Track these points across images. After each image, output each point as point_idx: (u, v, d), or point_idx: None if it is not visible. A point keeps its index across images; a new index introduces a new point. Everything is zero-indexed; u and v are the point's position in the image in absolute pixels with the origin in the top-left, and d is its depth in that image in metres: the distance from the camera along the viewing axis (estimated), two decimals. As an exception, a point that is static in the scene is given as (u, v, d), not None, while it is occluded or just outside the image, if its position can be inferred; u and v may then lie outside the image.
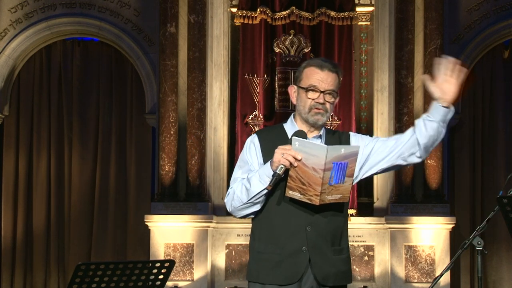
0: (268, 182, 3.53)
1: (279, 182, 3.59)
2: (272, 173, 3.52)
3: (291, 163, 3.49)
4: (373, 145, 3.74)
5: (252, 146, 3.76)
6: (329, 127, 3.83)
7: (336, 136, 3.78)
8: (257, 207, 3.69)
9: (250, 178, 3.63)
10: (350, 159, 3.51)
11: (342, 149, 3.48)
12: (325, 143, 3.67)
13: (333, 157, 3.47)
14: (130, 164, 10.45)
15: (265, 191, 3.59)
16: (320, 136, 3.72)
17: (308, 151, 3.48)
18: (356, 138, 3.78)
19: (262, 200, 3.66)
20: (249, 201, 3.65)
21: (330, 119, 9.69)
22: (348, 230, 3.84)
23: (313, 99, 3.65)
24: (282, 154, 3.49)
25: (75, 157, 10.44)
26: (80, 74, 10.53)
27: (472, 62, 10.13)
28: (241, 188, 3.66)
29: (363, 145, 3.73)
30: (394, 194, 9.65)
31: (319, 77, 3.65)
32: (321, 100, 3.64)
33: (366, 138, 3.80)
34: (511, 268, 10.14)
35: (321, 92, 3.64)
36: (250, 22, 9.84)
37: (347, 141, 3.75)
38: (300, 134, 3.61)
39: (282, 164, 3.49)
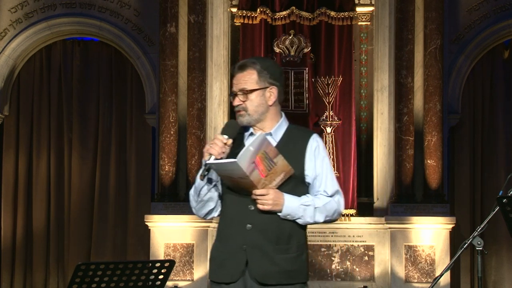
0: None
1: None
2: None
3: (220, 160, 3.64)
4: (312, 179, 3.79)
5: None
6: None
7: (295, 134, 3.81)
8: (210, 206, 3.83)
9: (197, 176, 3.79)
10: (264, 147, 3.60)
11: (251, 148, 3.58)
12: (279, 141, 3.76)
13: (249, 160, 3.56)
14: (130, 164, 10.45)
15: (206, 185, 3.74)
16: (270, 134, 3.78)
17: (226, 168, 3.61)
18: (313, 146, 3.80)
19: (212, 197, 3.79)
20: (199, 199, 3.80)
21: (330, 119, 9.71)
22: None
23: (233, 104, 3.81)
24: (210, 144, 3.66)
25: (75, 157, 10.43)
26: (80, 74, 10.53)
27: (472, 62, 10.13)
28: (193, 187, 3.82)
29: (314, 165, 3.77)
30: (394, 194, 9.65)
31: (233, 82, 3.80)
32: (235, 103, 3.77)
33: (319, 160, 3.80)
34: (511, 268, 10.14)
35: (235, 94, 3.77)
36: (250, 22, 9.84)
37: (304, 143, 3.78)
38: (230, 124, 3.75)
39: (210, 153, 3.64)
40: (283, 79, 3.87)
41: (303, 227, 3.80)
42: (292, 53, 9.81)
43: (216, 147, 3.64)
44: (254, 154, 3.56)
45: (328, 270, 9.56)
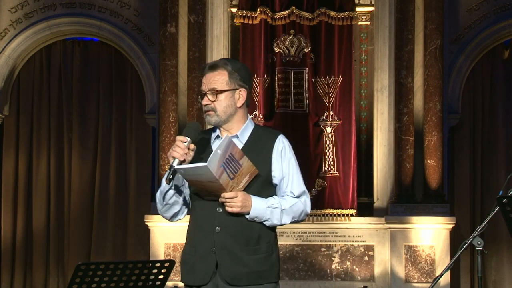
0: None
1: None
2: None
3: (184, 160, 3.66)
4: (279, 180, 3.82)
5: None
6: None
7: (261, 136, 3.84)
8: (175, 209, 3.85)
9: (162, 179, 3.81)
10: (230, 149, 3.62)
11: (219, 151, 3.60)
12: (245, 143, 3.80)
13: (218, 163, 3.58)
14: (130, 164, 10.45)
15: (171, 189, 3.76)
16: (237, 136, 3.80)
17: (195, 172, 3.62)
18: (279, 147, 3.83)
19: (177, 201, 3.81)
20: (165, 202, 3.82)
21: (330, 119, 9.70)
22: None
23: (202, 104, 3.83)
24: (173, 148, 3.67)
25: (75, 157, 10.43)
26: (80, 74, 10.53)
27: (472, 62, 10.13)
28: (159, 191, 3.84)
29: (281, 166, 3.80)
30: (394, 194, 9.66)
31: (202, 82, 3.82)
32: (203, 102, 3.79)
33: (285, 161, 3.83)
34: (511, 268, 10.14)
35: (204, 94, 3.79)
36: (250, 22, 9.84)
37: (270, 145, 3.81)
38: (190, 126, 3.75)
39: (173, 156, 3.66)
40: (251, 83, 3.91)
41: (273, 227, 3.83)
42: (292, 53, 9.81)
43: (178, 149, 3.66)
44: (222, 157, 3.59)
45: (328, 270, 9.56)
